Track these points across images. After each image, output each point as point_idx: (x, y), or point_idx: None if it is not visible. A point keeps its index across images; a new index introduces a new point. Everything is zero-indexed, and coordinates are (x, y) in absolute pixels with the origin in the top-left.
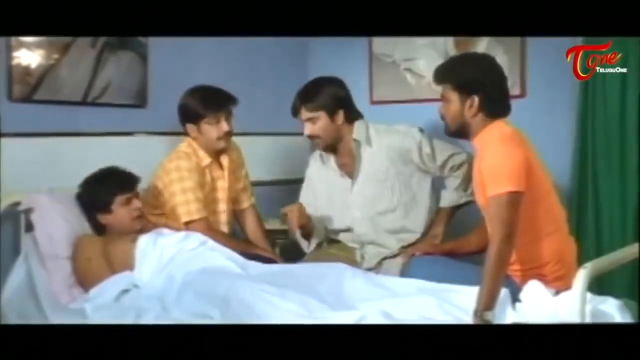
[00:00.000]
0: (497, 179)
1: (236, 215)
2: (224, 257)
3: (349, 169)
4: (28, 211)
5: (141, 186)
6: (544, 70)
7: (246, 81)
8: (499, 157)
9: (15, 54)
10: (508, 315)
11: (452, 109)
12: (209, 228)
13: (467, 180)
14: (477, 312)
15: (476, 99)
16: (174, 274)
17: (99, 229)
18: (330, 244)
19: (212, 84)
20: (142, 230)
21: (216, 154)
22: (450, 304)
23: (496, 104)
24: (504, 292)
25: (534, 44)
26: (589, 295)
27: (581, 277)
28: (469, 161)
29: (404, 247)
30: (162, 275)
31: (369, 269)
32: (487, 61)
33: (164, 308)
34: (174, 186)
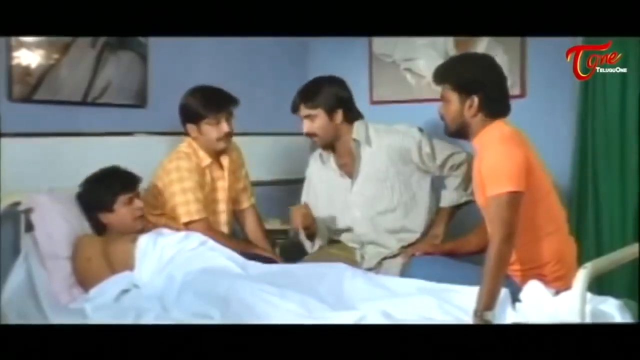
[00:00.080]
0: (497, 179)
1: (236, 216)
2: (224, 257)
3: (349, 168)
4: (28, 211)
5: (141, 186)
6: (544, 70)
7: (246, 81)
8: (498, 157)
9: (15, 54)
10: (508, 315)
11: (452, 109)
12: (209, 228)
13: (467, 180)
14: (477, 312)
15: (476, 99)
16: (174, 274)
17: (99, 229)
18: (331, 244)
19: (212, 84)
20: (143, 230)
21: (216, 155)
22: (450, 304)
23: (496, 104)
24: (504, 292)
25: (534, 44)
26: (589, 295)
27: (581, 277)
28: (469, 160)
29: (404, 247)
30: (162, 275)
31: (369, 269)
32: (486, 61)
33: (164, 308)
34: (174, 186)
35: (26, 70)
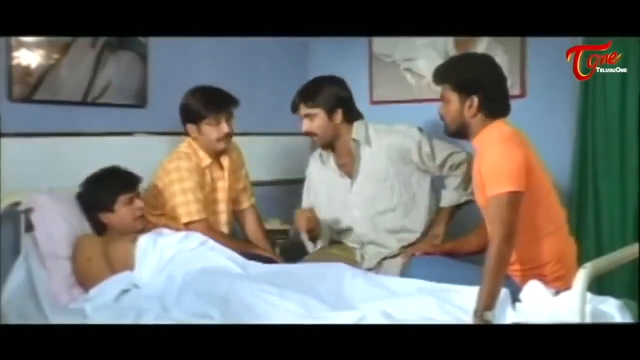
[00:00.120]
0: (497, 179)
1: (236, 216)
2: (224, 257)
3: (349, 168)
4: (28, 211)
5: (141, 186)
6: (544, 70)
7: (246, 81)
8: (498, 157)
9: (15, 54)
10: (508, 315)
11: (452, 109)
12: (209, 229)
13: (467, 180)
14: (477, 312)
15: (475, 99)
16: (174, 274)
17: (99, 229)
18: (331, 244)
19: (212, 84)
20: (143, 230)
21: (216, 155)
22: (450, 304)
23: (496, 104)
24: (504, 292)
25: (534, 44)
26: (589, 295)
27: (581, 277)
28: (469, 160)
29: (404, 247)
30: (162, 275)
31: (369, 269)
32: (486, 61)
33: (164, 308)
34: (174, 187)
35: (26, 70)
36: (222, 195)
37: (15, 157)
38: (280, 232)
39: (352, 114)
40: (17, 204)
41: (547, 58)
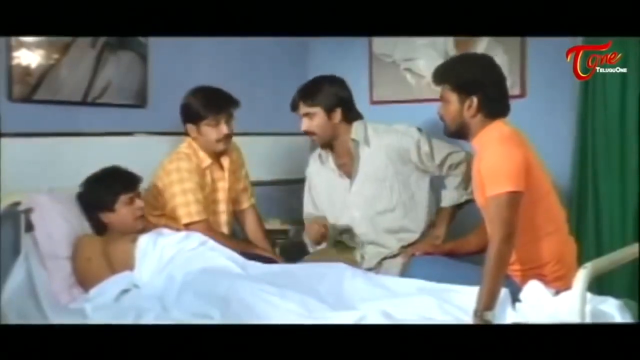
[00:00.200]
0: (496, 179)
1: (236, 216)
2: (224, 257)
3: (348, 168)
4: (28, 211)
5: (142, 186)
6: (544, 70)
7: (246, 81)
8: (498, 157)
9: (15, 54)
10: (508, 315)
11: (451, 109)
12: (209, 229)
13: (466, 179)
14: (477, 312)
15: (475, 100)
16: (174, 274)
17: (99, 229)
18: (331, 244)
19: (212, 84)
20: (143, 230)
21: (216, 155)
22: (450, 304)
23: (495, 104)
24: (504, 292)
25: (534, 44)
26: (589, 295)
27: (581, 277)
28: (468, 160)
29: (404, 247)
30: (162, 275)
31: (369, 269)
32: (485, 61)
33: (164, 308)
34: (174, 187)
35: (26, 70)
36: (222, 195)
37: (15, 157)
38: (280, 232)
39: (352, 114)
40: (17, 204)
41: (547, 58)
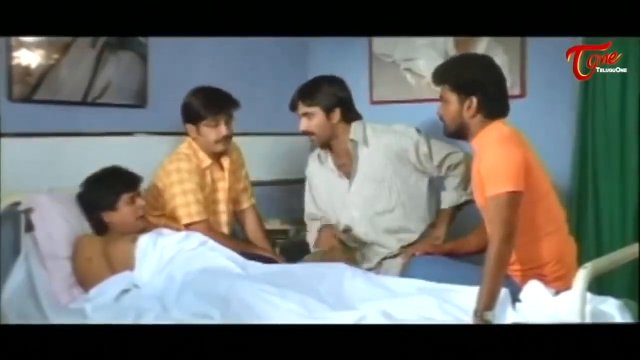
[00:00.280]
0: (496, 179)
1: (236, 216)
2: (224, 257)
3: (347, 169)
4: (28, 211)
5: (142, 186)
6: (544, 70)
7: (246, 81)
8: (497, 157)
9: (15, 54)
10: (508, 315)
11: (451, 109)
12: (210, 230)
13: (465, 180)
14: (477, 312)
15: (475, 100)
16: (174, 274)
17: (99, 229)
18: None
19: (212, 84)
20: (144, 230)
21: (216, 156)
22: (450, 304)
23: (495, 104)
24: (504, 292)
25: (534, 44)
26: (589, 295)
27: (581, 277)
28: (467, 160)
29: (404, 247)
30: (162, 275)
31: (369, 269)
32: (485, 62)
33: (164, 308)
34: (174, 188)
35: (26, 70)
36: (222, 195)
37: (15, 157)
38: (280, 232)
39: (351, 114)
40: (17, 204)
41: (547, 58)
